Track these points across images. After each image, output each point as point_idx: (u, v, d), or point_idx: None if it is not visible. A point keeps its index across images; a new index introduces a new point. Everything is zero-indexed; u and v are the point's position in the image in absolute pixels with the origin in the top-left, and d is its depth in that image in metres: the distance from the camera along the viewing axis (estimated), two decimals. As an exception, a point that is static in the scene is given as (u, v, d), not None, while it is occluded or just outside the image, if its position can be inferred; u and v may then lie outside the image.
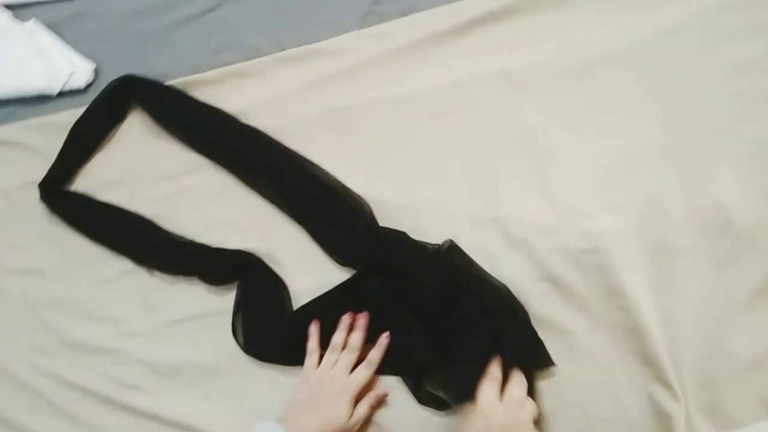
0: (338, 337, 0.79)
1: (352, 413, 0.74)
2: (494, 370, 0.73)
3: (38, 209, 0.91)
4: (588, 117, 0.84)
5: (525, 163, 0.84)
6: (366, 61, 0.90)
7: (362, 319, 0.79)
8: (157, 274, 0.87)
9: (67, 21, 0.99)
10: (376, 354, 0.78)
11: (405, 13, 0.91)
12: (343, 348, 0.78)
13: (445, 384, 0.75)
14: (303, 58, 0.91)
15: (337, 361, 0.77)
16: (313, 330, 0.79)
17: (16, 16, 1.00)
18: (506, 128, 0.85)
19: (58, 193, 0.91)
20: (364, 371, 0.76)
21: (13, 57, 0.96)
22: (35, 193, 0.90)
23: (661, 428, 0.74)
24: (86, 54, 0.96)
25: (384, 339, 0.78)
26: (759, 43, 0.84)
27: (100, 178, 0.91)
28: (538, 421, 0.74)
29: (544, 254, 0.80)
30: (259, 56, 0.92)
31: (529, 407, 0.72)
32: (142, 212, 0.89)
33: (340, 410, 0.73)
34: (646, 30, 0.86)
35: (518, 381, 0.73)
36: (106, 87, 0.92)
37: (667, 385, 0.74)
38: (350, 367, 0.77)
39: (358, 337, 0.78)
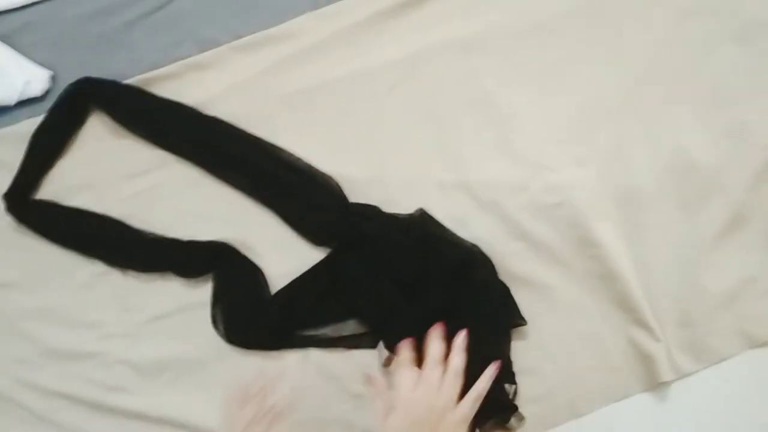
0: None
1: None
2: (404, 352, 0.70)
3: (5, 221, 0.89)
4: (544, 75, 0.86)
5: (487, 125, 0.85)
6: (322, 41, 0.90)
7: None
8: (132, 273, 0.86)
9: (19, 30, 0.97)
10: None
11: (357, -9, 0.92)
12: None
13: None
14: (259, 44, 0.91)
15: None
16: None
17: (-34, 32, 0.98)
18: (466, 93, 0.86)
19: (24, 203, 0.89)
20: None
21: (-34, 71, 0.94)
22: (0, 205, 0.89)
23: (644, 369, 0.75)
24: (42, 61, 0.95)
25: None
26: (704, -12, 0.85)
27: (65, 184, 0.90)
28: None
29: (514, 213, 0.81)
30: (216, 47, 0.92)
31: (448, 386, 0.67)
32: (111, 213, 0.88)
33: None
34: (593, -14, 0.87)
35: (433, 359, 0.68)
36: (62, 92, 0.91)
37: (646, 327, 0.75)
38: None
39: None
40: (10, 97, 0.93)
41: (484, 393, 0.69)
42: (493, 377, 0.70)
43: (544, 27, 0.87)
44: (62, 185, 0.91)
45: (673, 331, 0.76)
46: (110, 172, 0.90)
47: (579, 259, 0.79)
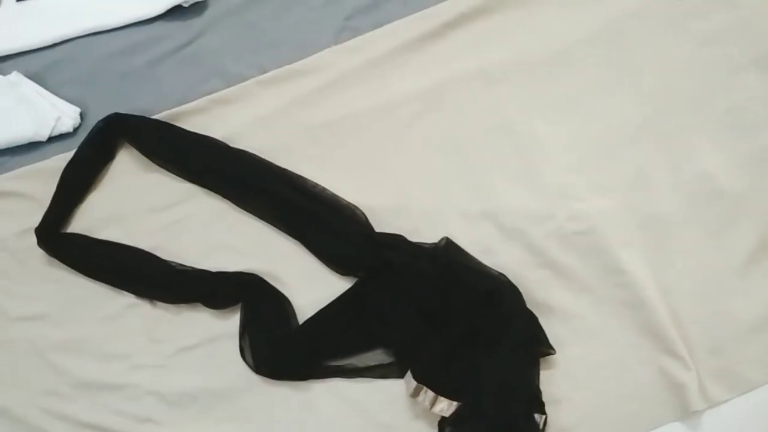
0: None
1: None
2: None
3: (37, 255, 0.91)
4: (565, 104, 0.87)
5: (510, 154, 0.86)
6: (345, 74, 0.92)
7: None
8: (160, 305, 0.88)
9: (49, 68, 1.00)
10: None
11: (378, 25, 0.94)
12: None
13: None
14: (284, 79, 0.93)
15: None
16: None
17: (-2, 70, 1.01)
18: (488, 123, 0.88)
19: (55, 237, 0.91)
20: None
21: (-1, 109, 0.97)
22: (33, 239, 0.91)
23: (675, 398, 0.75)
24: (71, 98, 0.98)
25: None
26: (722, 15, 0.87)
27: (95, 217, 0.92)
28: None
29: (539, 241, 0.81)
30: (241, 82, 0.94)
31: None
32: (140, 245, 0.89)
33: None
34: (612, 15, 0.89)
35: None
36: (93, 128, 0.93)
37: (676, 356, 0.75)
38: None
39: None
40: (42, 133, 0.95)
41: None
42: None
43: (564, 56, 0.88)
44: (92, 219, 0.92)
45: (703, 359, 0.76)
46: (139, 205, 0.92)
47: (605, 287, 0.79)
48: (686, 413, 0.74)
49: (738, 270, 0.78)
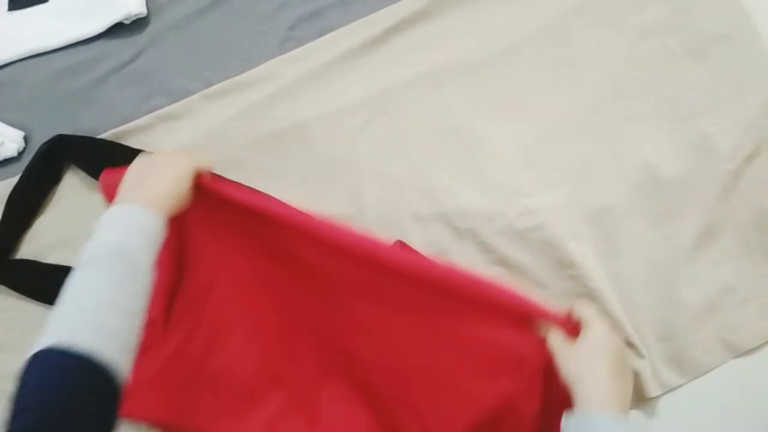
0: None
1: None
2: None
3: (-15, 283, 0.89)
4: (509, 101, 0.88)
5: (459, 155, 0.86)
6: (291, 84, 0.91)
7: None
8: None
9: (-10, 93, 0.99)
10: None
11: (321, 33, 0.94)
12: None
13: None
14: (229, 91, 0.92)
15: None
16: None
17: (-62, 98, 0.99)
18: (436, 125, 0.88)
19: (4, 264, 0.89)
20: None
21: (-61, 137, 0.95)
22: (-20, 268, 0.89)
23: (631, 386, 0.76)
24: (13, 122, 0.96)
25: None
26: (657, 8, 0.88)
27: (44, 242, 0.90)
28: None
29: (491, 239, 0.82)
30: (186, 96, 0.93)
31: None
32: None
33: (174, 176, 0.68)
34: (551, 13, 0.90)
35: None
36: (37, 150, 0.91)
37: (629, 344, 0.76)
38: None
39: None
40: (-16, 159, 0.93)
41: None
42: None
43: (506, 55, 0.89)
44: (41, 244, 0.91)
45: (655, 346, 0.77)
46: (87, 227, 0.88)
47: (558, 280, 0.80)
48: (642, 400, 0.75)
49: (685, 256, 0.80)
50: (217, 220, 0.78)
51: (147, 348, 0.75)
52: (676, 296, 0.79)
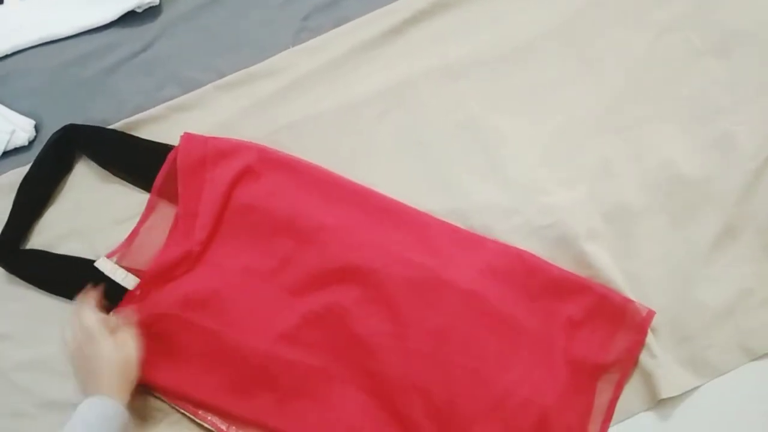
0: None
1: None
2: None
3: (-4, 273, 0.89)
4: (528, 97, 0.87)
5: (476, 150, 0.85)
6: (306, 75, 0.91)
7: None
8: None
9: (0, 81, 0.98)
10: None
11: (337, 24, 0.93)
12: None
13: None
14: (242, 82, 0.91)
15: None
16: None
17: (-52, 85, 0.98)
18: (453, 119, 0.87)
19: (14, 254, 0.89)
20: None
21: (-50, 125, 0.94)
22: (-9, 257, 0.88)
23: (645, 387, 0.75)
24: (24, 111, 0.95)
25: None
26: (680, 4, 0.87)
27: (55, 232, 0.90)
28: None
29: (507, 236, 0.81)
30: (198, 87, 0.92)
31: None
32: (103, 258, 0.87)
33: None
34: (571, 7, 0.89)
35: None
36: (48, 140, 0.90)
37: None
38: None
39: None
40: (-5, 148, 0.92)
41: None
42: None
43: (525, 50, 0.88)
44: (52, 234, 0.90)
45: (671, 347, 0.76)
46: (99, 217, 0.90)
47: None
48: (656, 401, 0.74)
49: (703, 257, 0.79)
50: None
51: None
52: (693, 297, 0.77)
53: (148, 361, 0.76)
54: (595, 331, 0.76)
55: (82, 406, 0.68)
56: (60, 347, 0.77)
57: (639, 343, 0.75)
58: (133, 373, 0.73)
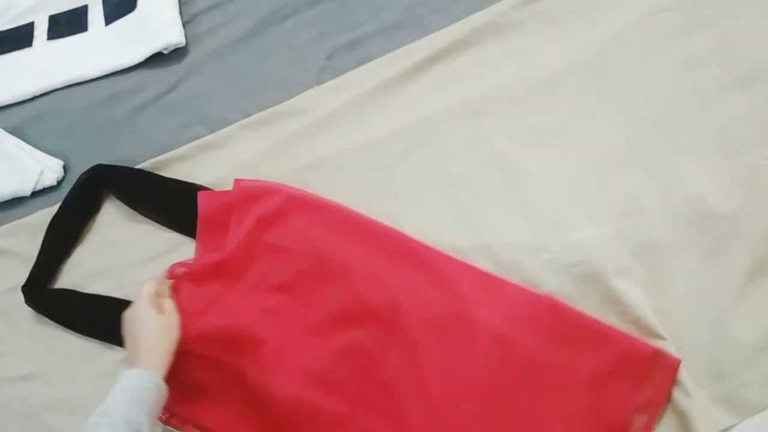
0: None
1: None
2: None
3: (25, 313, 0.90)
4: (552, 133, 0.87)
5: (500, 186, 0.85)
6: (330, 114, 0.92)
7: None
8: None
9: (30, 122, 1.00)
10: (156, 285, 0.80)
11: (360, 63, 0.94)
12: None
13: None
14: (268, 121, 0.93)
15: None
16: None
17: (-22, 125, 1.00)
18: (476, 156, 0.87)
19: (43, 294, 0.90)
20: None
21: (-20, 165, 0.96)
22: (20, 297, 0.89)
23: (679, 425, 0.73)
24: (53, 151, 0.97)
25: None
26: (704, 38, 0.87)
27: (84, 271, 0.91)
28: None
29: (535, 273, 0.80)
30: (225, 126, 0.93)
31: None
32: (131, 298, 0.87)
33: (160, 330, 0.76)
34: (594, 43, 0.89)
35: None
36: (77, 180, 0.92)
37: (677, 382, 0.74)
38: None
39: (149, 286, 0.80)
40: (25, 188, 0.94)
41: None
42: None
43: (547, 86, 0.88)
44: (80, 273, 0.91)
45: (705, 385, 0.75)
46: (127, 256, 0.90)
47: (603, 316, 0.78)
48: (693, 441, 0.73)
49: (735, 292, 0.77)
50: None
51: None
52: (726, 334, 0.76)
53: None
54: (620, 386, 0.74)
55: (122, 377, 0.71)
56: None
57: (665, 391, 0.74)
58: (172, 335, 0.76)
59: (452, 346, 0.77)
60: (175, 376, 0.76)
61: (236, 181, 0.87)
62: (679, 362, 0.74)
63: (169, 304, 0.79)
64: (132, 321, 0.77)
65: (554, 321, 0.77)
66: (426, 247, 0.82)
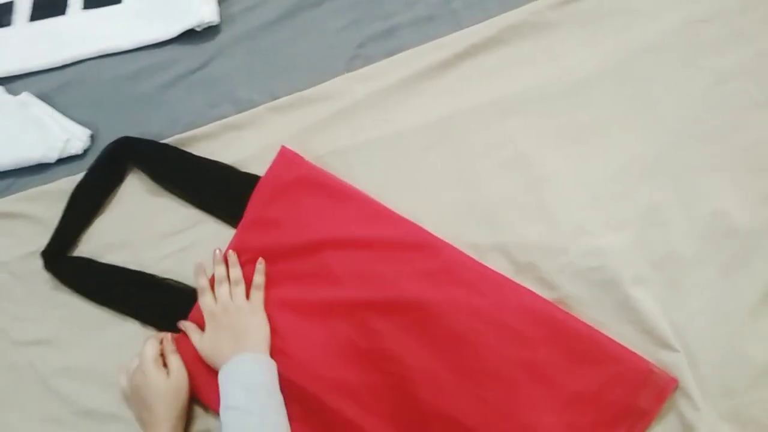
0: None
1: None
2: (200, 280, 0.84)
3: (42, 278, 0.90)
4: (578, 137, 0.86)
5: (522, 187, 0.85)
6: (357, 102, 0.91)
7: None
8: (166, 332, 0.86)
9: (59, 90, 1.00)
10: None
11: (390, 54, 0.94)
12: None
13: None
14: (295, 106, 0.93)
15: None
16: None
17: (8, 90, 1.01)
18: (500, 155, 0.87)
19: (62, 260, 0.91)
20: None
21: (8, 129, 0.97)
22: (38, 262, 0.90)
23: (686, 438, 0.73)
24: (80, 120, 0.97)
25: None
26: (741, 51, 0.86)
27: (103, 241, 0.91)
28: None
29: (551, 275, 0.80)
30: (252, 107, 0.94)
31: (236, 293, 0.82)
32: (148, 271, 0.88)
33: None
34: (627, 49, 0.88)
35: (218, 279, 0.83)
36: (102, 150, 0.92)
37: (687, 396, 0.74)
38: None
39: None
40: (50, 155, 0.95)
41: (262, 282, 0.83)
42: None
43: (579, 89, 0.88)
44: (99, 243, 0.92)
45: (717, 401, 0.75)
46: (147, 230, 0.91)
47: (617, 324, 0.78)
48: (699, 457, 0.73)
49: (752, 310, 0.77)
50: None
51: None
52: (740, 351, 0.76)
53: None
54: (612, 402, 0.74)
55: None
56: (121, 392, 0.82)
57: (654, 411, 0.74)
58: (182, 400, 0.78)
59: (462, 339, 0.77)
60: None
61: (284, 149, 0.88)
62: (675, 383, 0.74)
63: (176, 362, 0.79)
64: (142, 387, 0.77)
65: (557, 326, 0.77)
66: (443, 242, 0.82)
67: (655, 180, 0.83)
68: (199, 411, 0.82)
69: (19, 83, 1.02)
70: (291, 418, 0.76)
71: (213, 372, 0.78)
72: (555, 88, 0.88)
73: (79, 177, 0.93)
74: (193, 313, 0.84)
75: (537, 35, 0.91)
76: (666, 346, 0.76)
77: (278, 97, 0.94)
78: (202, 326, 0.82)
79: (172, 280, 0.87)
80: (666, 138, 0.84)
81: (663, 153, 0.83)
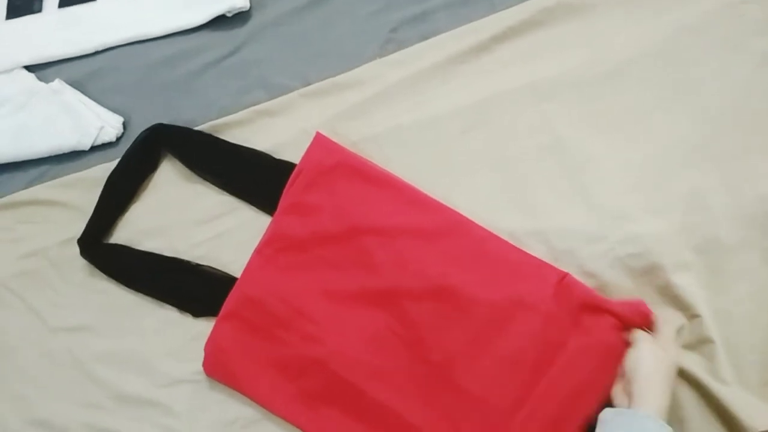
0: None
1: None
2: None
3: (79, 265, 0.91)
4: (618, 121, 0.84)
5: (561, 172, 0.84)
6: (391, 87, 0.90)
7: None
8: (202, 318, 0.87)
9: (91, 77, 1.00)
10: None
11: (424, 38, 0.92)
12: None
13: None
14: (328, 91, 0.92)
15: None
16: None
17: (40, 78, 1.01)
18: (538, 139, 0.86)
19: (98, 247, 0.91)
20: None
21: (42, 117, 0.97)
22: (75, 249, 0.91)
23: (723, 425, 0.73)
24: (113, 107, 0.97)
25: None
26: (786, 31, 0.84)
27: (138, 228, 0.92)
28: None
29: (591, 262, 0.79)
30: (285, 93, 0.93)
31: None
32: (184, 258, 0.89)
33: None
34: (668, 30, 0.86)
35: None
36: (136, 138, 0.92)
37: (725, 383, 0.73)
38: None
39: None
40: (84, 142, 0.95)
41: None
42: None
43: (618, 72, 0.86)
44: (135, 230, 0.92)
45: (759, 389, 0.74)
46: (182, 216, 0.91)
47: (659, 310, 0.77)
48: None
49: (798, 297, 0.76)
50: None
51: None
52: (784, 339, 0.75)
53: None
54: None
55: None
56: None
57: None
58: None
59: (499, 325, 0.78)
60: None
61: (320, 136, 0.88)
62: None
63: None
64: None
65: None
66: (481, 228, 0.82)
67: (698, 165, 0.81)
68: (229, 400, 0.83)
69: (50, 71, 1.02)
70: (327, 404, 0.77)
71: (257, 365, 0.80)
72: (592, 72, 0.87)
73: (112, 164, 0.93)
74: (228, 300, 0.84)
75: (575, 17, 0.89)
76: (703, 338, 0.75)
77: (311, 83, 0.93)
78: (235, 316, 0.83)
79: (207, 266, 0.87)
80: (709, 122, 0.82)
81: (707, 137, 0.82)
